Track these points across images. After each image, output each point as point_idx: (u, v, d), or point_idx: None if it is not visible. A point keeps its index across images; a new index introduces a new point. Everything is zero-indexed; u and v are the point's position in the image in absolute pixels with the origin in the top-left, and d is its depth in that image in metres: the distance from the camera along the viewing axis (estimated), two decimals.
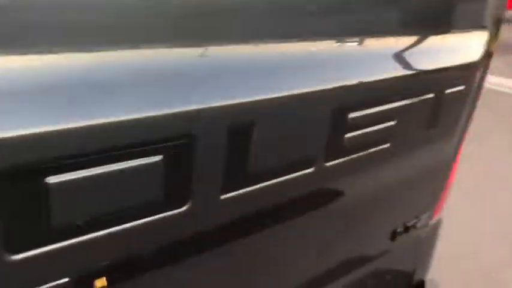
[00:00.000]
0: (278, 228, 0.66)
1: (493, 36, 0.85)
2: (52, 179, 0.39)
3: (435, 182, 0.95)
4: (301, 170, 0.60)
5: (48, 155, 0.38)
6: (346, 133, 0.63)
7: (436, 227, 1.04)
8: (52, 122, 0.38)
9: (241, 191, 0.54)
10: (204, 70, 0.48)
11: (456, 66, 0.79)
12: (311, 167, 0.61)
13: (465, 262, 2.23)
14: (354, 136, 0.64)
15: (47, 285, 0.42)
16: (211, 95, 0.47)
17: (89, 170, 0.41)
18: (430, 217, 0.98)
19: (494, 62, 1.00)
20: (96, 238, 0.44)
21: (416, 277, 1.03)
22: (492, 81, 5.16)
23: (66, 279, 0.44)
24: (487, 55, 0.84)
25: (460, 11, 0.80)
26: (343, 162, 0.64)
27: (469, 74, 0.82)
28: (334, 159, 0.63)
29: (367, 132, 0.66)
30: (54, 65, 0.38)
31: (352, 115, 0.62)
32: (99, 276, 0.47)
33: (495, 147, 3.52)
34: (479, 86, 0.87)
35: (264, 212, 0.61)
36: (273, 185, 0.57)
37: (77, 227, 0.43)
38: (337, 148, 0.63)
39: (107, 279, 0.47)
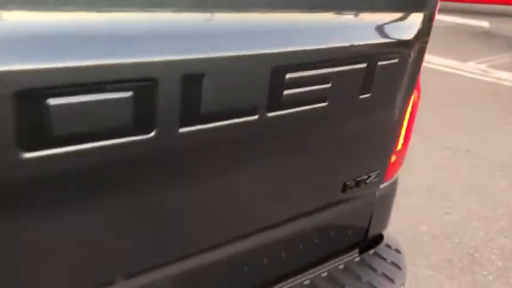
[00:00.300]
0: (229, 166, 0.81)
1: (428, 18, 1.00)
2: (51, 101, 0.58)
3: (381, 145, 1.09)
4: (245, 116, 0.77)
5: (50, 83, 0.57)
6: (284, 90, 0.80)
7: (391, 189, 1.19)
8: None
9: (195, 127, 0.71)
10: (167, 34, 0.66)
11: (389, 42, 0.95)
12: (254, 115, 0.78)
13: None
14: (292, 93, 0.81)
15: None
16: (170, 52, 0.65)
17: (81, 96, 0.59)
18: (381, 177, 1.12)
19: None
20: (80, 150, 0.62)
21: (373, 231, 1.19)
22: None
23: None
24: (421, 34, 0.99)
25: None
26: (283, 114, 0.81)
27: (403, 50, 0.97)
28: (274, 111, 0.80)
29: (304, 91, 0.82)
30: (59, 21, 0.57)
31: (290, 75, 0.79)
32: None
33: None
34: (415, 62, 1.01)
35: (215, 150, 0.78)
36: (221, 126, 0.74)
37: (66, 138, 0.61)
38: (276, 102, 0.80)
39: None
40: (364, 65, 0.89)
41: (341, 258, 1.12)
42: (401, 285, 1.09)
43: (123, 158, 0.66)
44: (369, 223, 1.15)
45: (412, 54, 0.98)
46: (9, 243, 0.63)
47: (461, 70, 5.87)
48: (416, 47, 0.98)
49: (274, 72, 0.76)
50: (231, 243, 0.89)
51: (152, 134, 0.66)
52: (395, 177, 1.19)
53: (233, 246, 0.90)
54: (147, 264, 0.79)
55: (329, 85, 0.84)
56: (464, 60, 6.22)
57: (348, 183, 1.02)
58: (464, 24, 8.81)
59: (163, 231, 0.78)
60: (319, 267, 1.07)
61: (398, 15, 0.96)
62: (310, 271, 1.06)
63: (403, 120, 1.07)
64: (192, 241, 0.84)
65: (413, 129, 1.21)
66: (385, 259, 1.15)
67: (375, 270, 1.11)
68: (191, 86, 0.67)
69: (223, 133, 0.74)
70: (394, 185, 1.19)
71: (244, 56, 0.72)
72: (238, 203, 0.87)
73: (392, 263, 1.14)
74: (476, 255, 2.34)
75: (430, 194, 2.85)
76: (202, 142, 0.73)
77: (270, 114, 0.78)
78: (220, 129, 0.73)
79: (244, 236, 0.91)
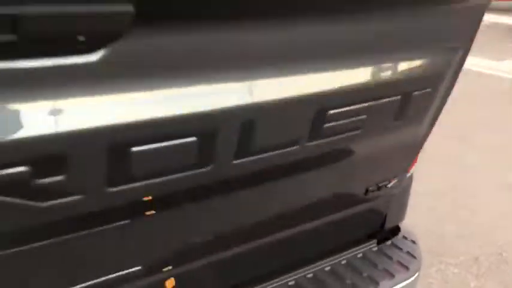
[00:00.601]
0: (283, 182, 0.95)
1: (463, 54, 1.05)
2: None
3: (404, 156, 1.19)
4: (288, 147, 0.87)
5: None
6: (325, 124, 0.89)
7: (407, 184, 1.28)
8: None
9: (247, 159, 0.82)
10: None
11: (425, 76, 1.01)
12: (296, 145, 0.88)
13: None
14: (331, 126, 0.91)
15: None
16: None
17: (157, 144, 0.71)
18: (401, 180, 1.23)
19: None
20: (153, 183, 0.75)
21: (390, 223, 1.28)
22: None
23: None
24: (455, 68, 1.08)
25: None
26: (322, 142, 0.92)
27: (436, 81, 1.04)
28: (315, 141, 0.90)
29: (342, 123, 0.91)
30: None
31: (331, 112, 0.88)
32: None
33: None
34: (447, 89, 1.09)
35: (272, 172, 0.90)
36: (269, 156, 0.84)
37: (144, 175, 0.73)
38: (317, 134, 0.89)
39: None
40: (398, 97, 0.97)
41: (360, 247, 1.22)
42: (416, 272, 1.18)
43: (189, 185, 0.79)
44: (386, 216, 1.25)
45: (445, 84, 1.06)
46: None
47: (497, 70, 5.80)
48: (449, 78, 1.05)
49: (318, 112, 0.86)
50: (279, 233, 1.05)
51: (210, 166, 0.78)
52: (410, 173, 1.28)
53: (279, 235, 1.05)
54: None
55: (365, 116, 0.93)
56: (500, 59, 6.14)
57: (370, 188, 1.13)
58: (497, 23, 8.66)
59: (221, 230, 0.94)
60: (340, 255, 1.18)
61: (434, 52, 1.02)
62: (332, 258, 1.17)
63: (428, 135, 1.15)
64: (252, 231, 1.00)
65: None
66: (401, 249, 1.24)
67: (391, 258, 1.20)
68: (245, 129, 0.78)
69: (272, 159, 0.86)
70: (409, 180, 1.28)
71: (292, 100, 0.82)
72: (288, 205, 1.02)
73: (408, 252, 1.23)
74: (504, 254, 2.37)
75: (457, 194, 2.88)
76: (253, 168, 0.85)
77: (310, 143, 0.89)
78: (268, 158, 0.85)
79: (289, 227, 1.06)
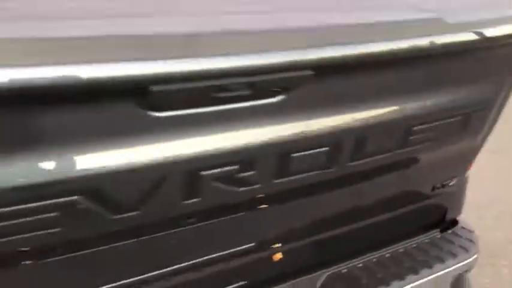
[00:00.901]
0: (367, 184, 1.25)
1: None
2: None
3: (465, 158, 1.45)
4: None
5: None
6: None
7: (464, 183, 1.54)
8: None
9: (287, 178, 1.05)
10: None
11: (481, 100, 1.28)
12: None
13: None
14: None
15: None
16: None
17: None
18: (460, 180, 1.49)
19: None
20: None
21: (450, 216, 1.53)
22: None
23: None
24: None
25: None
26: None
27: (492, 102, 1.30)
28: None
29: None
30: None
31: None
32: None
33: None
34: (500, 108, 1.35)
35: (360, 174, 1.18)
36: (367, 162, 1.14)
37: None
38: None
39: None
40: (462, 117, 1.25)
41: (427, 234, 1.49)
42: (475, 254, 1.43)
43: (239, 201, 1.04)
44: (447, 210, 1.52)
45: (499, 104, 1.33)
46: None
47: None
48: (501, 99, 1.32)
49: (407, 128, 1.15)
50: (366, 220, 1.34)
51: (256, 186, 1.01)
52: (467, 174, 1.54)
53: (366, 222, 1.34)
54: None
55: (439, 131, 1.22)
56: None
57: (436, 185, 1.42)
58: None
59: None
60: (411, 240, 1.45)
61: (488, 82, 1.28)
62: (404, 242, 1.44)
63: (482, 145, 1.43)
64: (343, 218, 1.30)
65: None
66: (460, 236, 1.50)
67: (452, 243, 1.46)
68: (359, 142, 1.08)
69: (371, 163, 1.15)
70: (466, 180, 1.54)
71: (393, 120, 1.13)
72: (375, 200, 1.32)
73: (467, 238, 1.48)
74: None
75: (502, 205, 3.07)
76: (359, 168, 1.14)
77: (398, 151, 1.18)
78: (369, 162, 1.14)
79: (373, 216, 1.35)
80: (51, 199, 0.76)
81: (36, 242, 0.81)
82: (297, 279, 1.25)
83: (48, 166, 0.74)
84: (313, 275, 1.28)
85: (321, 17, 1.01)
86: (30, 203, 0.75)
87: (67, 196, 0.78)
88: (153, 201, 0.87)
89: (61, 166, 0.75)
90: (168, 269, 1.04)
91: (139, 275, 1.00)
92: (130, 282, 0.99)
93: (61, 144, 0.75)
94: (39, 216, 0.76)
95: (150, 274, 1.01)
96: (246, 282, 1.19)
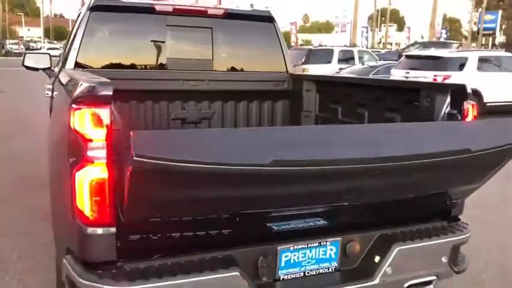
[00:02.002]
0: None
1: None
2: None
3: (466, 193, 2.44)
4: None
5: None
6: None
7: (464, 201, 2.51)
8: None
9: None
10: None
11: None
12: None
13: None
14: None
15: None
16: None
17: None
18: (463, 199, 2.48)
19: None
20: None
21: (454, 213, 2.51)
22: None
23: None
24: None
25: None
26: None
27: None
28: None
29: None
30: None
31: None
32: None
33: None
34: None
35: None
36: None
37: None
38: None
39: None
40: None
41: (441, 223, 2.47)
42: (466, 234, 2.40)
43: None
44: (451, 210, 2.51)
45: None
46: None
47: None
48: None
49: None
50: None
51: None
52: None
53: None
54: None
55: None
56: None
57: (447, 203, 2.41)
58: None
59: None
60: (433, 224, 2.44)
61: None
62: (429, 225, 2.43)
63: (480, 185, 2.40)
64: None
65: None
66: (459, 225, 2.48)
67: (454, 228, 2.44)
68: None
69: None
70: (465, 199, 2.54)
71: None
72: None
73: (463, 227, 2.47)
74: None
75: None
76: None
77: None
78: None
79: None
80: None
81: None
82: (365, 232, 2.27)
83: None
84: (371, 232, 2.28)
85: None
86: None
87: None
88: None
89: None
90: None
91: None
92: None
93: None
94: None
95: None
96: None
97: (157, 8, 3.62)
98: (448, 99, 2.41)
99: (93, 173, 1.72)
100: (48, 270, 3.31)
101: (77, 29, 3.45)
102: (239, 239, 2.00)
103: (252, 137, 1.66)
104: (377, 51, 25.36)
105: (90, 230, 1.76)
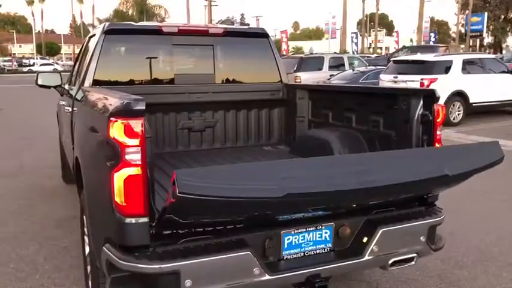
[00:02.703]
0: None
1: None
2: None
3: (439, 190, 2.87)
4: None
5: None
6: None
7: (438, 193, 2.93)
8: None
9: None
10: None
11: None
12: None
13: None
14: None
15: None
16: None
17: None
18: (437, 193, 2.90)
19: None
20: None
21: (430, 200, 2.91)
22: None
23: None
24: None
25: None
26: None
27: None
28: None
29: None
30: None
31: None
32: None
33: None
34: None
35: None
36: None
37: None
38: None
39: None
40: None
41: (419, 208, 2.88)
42: (441, 217, 2.81)
43: None
44: (427, 197, 2.92)
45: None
46: None
47: None
48: None
49: None
50: None
51: None
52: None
53: None
54: None
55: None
56: None
57: (428, 194, 2.83)
58: None
59: None
60: (412, 209, 2.85)
61: None
62: (409, 210, 2.83)
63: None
64: None
65: None
66: (435, 209, 2.89)
67: (430, 211, 2.85)
68: None
69: None
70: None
71: None
72: None
73: (439, 211, 2.88)
74: None
75: None
76: None
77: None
78: None
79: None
80: None
81: None
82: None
83: None
84: (359, 217, 2.69)
85: None
86: None
87: None
88: None
89: None
90: None
91: None
92: None
93: None
94: None
95: None
96: None
97: (164, 29, 4.04)
98: (421, 103, 2.83)
99: (129, 173, 2.12)
100: (73, 268, 3.69)
101: (93, 50, 3.85)
102: (250, 228, 2.40)
103: (268, 173, 2.02)
104: (367, 57, 25.94)
105: (127, 220, 2.15)
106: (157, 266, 2.11)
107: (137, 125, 2.10)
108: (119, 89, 3.51)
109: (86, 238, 3.06)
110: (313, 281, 2.42)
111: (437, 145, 2.84)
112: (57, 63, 60.44)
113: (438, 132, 2.83)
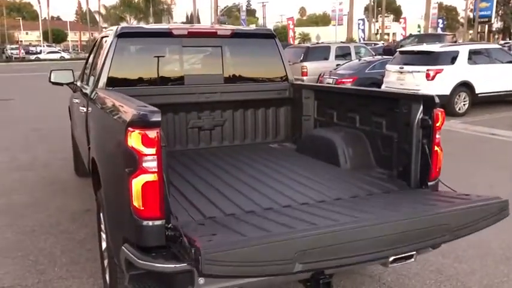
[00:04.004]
0: None
1: None
2: None
3: None
4: None
5: None
6: None
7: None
8: None
9: None
10: None
11: None
12: None
13: None
14: None
15: None
16: None
17: None
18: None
19: None
20: None
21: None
22: None
23: None
24: None
25: None
26: None
27: None
28: None
29: None
30: None
31: None
32: None
33: None
34: None
35: None
36: None
37: None
38: None
39: None
40: None
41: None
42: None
43: None
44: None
45: None
46: None
47: None
48: None
49: None
50: None
51: None
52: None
53: None
54: None
55: None
56: None
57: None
58: None
59: None
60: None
61: None
62: None
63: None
64: None
65: None
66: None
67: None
68: None
69: None
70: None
71: None
72: None
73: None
74: None
75: None
76: None
77: None
78: None
79: None
80: None
81: None
82: None
83: None
84: None
85: None
86: None
87: None
88: None
89: None
90: None
91: None
92: None
93: None
94: None
95: None
96: None
97: (174, 31, 4.18)
98: (421, 108, 2.96)
99: (146, 179, 2.28)
100: (89, 262, 3.89)
101: (107, 52, 4.00)
102: None
103: (287, 250, 2.09)
104: (374, 44, 25.74)
105: (145, 222, 2.32)
106: (172, 266, 2.28)
107: (153, 135, 2.25)
108: (133, 90, 3.66)
109: (103, 234, 3.25)
110: (318, 278, 2.59)
111: (436, 148, 2.96)
112: (63, 51, 60.58)
113: (437, 136, 2.96)
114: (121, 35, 4.01)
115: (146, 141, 2.25)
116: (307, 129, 4.40)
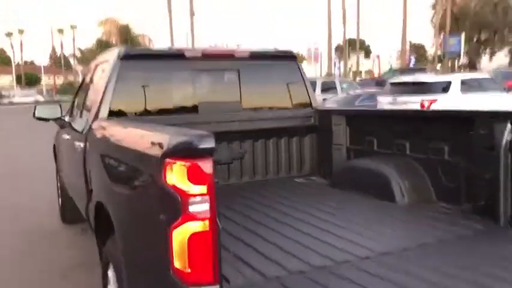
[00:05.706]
0: None
1: None
2: None
3: None
4: None
5: None
6: None
7: None
8: None
9: None
10: None
11: None
12: None
13: None
14: None
15: None
16: None
17: None
18: None
19: None
20: None
21: None
22: None
23: None
24: None
25: None
26: None
27: None
28: None
29: None
30: None
31: None
32: None
33: None
34: None
35: None
36: None
37: None
38: None
39: None
40: None
41: None
42: None
43: None
44: None
45: None
46: None
47: None
48: None
49: None
50: None
51: None
52: None
53: None
54: None
55: None
56: None
57: None
58: None
59: None
60: None
61: None
62: None
63: None
64: None
65: None
66: None
67: None
68: None
69: None
70: None
71: None
72: None
73: None
74: None
75: None
76: None
77: None
78: None
79: None
80: None
81: None
82: None
83: None
84: None
85: None
86: None
87: None
88: None
89: None
90: None
91: None
92: None
93: None
94: None
95: None
96: None
97: (187, 53, 3.62)
98: (509, 127, 2.44)
99: (194, 230, 1.65)
100: None
101: (108, 79, 3.40)
102: None
103: None
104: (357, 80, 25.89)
105: None
106: None
107: (206, 167, 1.64)
108: (139, 120, 3.05)
109: None
110: None
111: None
112: (38, 94, 59.23)
113: None
114: (125, 57, 3.42)
115: (194, 176, 1.64)
116: (339, 160, 3.84)
